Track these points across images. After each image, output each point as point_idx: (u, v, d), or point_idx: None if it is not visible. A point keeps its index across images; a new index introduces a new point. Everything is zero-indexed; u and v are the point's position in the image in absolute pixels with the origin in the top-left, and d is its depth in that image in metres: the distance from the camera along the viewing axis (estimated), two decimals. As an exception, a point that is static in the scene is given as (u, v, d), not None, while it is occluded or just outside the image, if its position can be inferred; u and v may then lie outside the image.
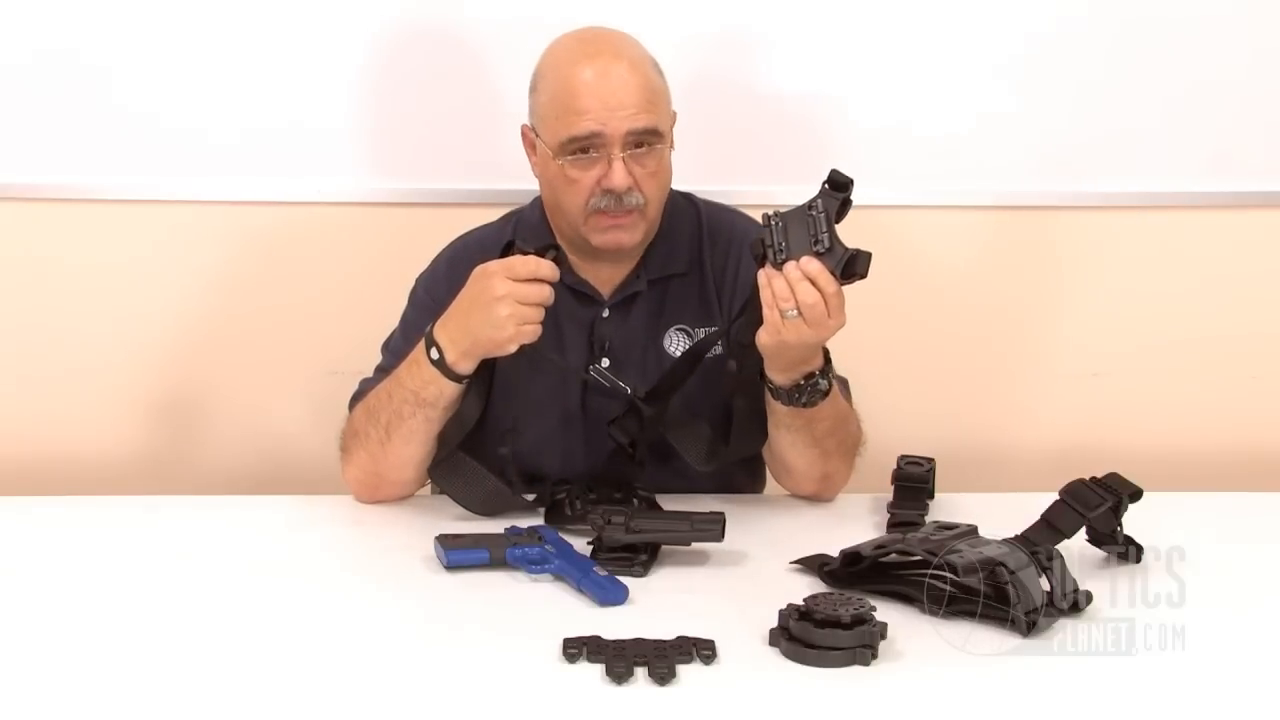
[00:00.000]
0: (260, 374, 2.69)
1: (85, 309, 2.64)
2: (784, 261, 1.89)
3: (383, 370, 2.14)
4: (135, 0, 2.53)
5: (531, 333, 1.97)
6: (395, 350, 2.15)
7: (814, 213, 1.89)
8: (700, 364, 2.08)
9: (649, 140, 2.05)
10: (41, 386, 2.66)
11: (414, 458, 2.08)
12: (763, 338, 1.92)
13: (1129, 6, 2.59)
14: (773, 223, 1.91)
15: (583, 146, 2.04)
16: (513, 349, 1.98)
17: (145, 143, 2.56)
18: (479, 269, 2.00)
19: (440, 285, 2.13)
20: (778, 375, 1.98)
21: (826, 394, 2.00)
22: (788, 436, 2.05)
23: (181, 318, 2.66)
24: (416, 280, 2.22)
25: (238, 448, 2.69)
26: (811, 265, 1.87)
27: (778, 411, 2.02)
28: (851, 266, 1.88)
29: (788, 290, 1.87)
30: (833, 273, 1.87)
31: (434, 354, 2.00)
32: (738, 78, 2.58)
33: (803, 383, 1.97)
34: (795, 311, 1.87)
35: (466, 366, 2.01)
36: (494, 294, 1.96)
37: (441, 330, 2.01)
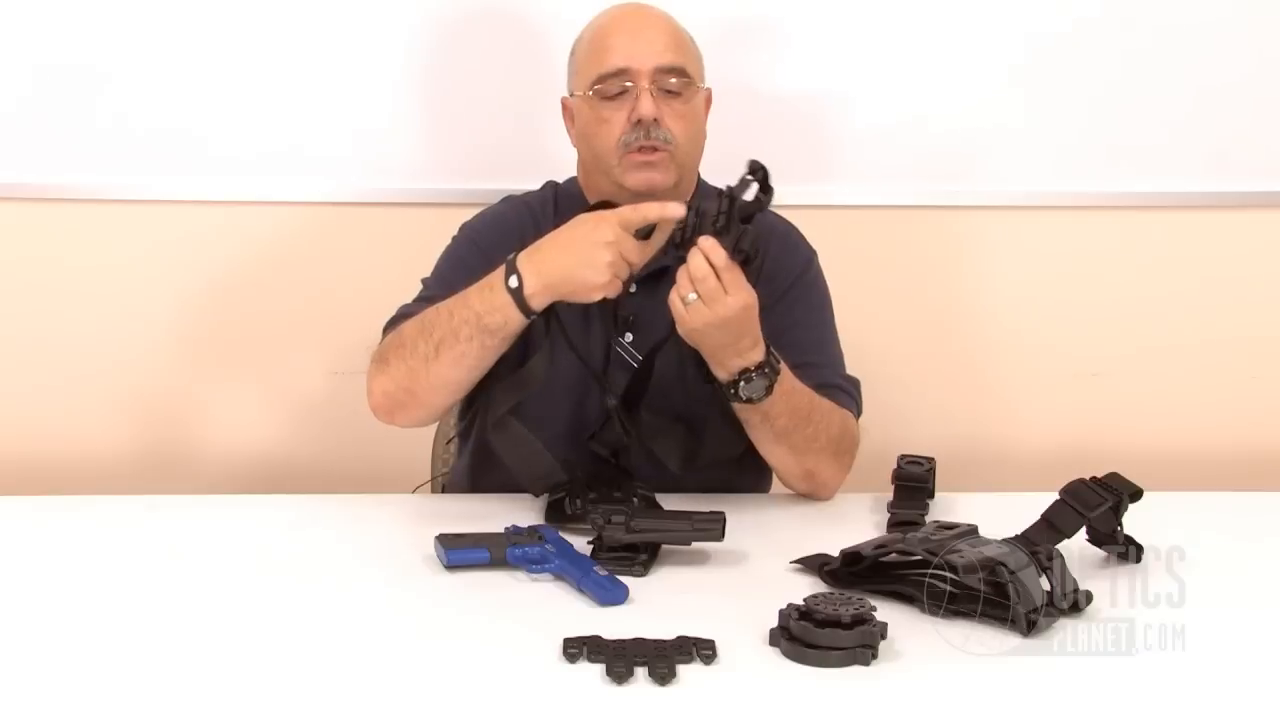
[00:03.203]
0: (260, 374, 2.69)
1: (86, 309, 2.65)
2: (689, 242, 1.91)
3: (424, 299, 2.13)
4: (134, 0, 2.53)
5: (618, 287, 1.97)
6: (440, 279, 2.14)
7: (721, 195, 1.92)
8: (654, 361, 2.08)
9: (677, 80, 2.10)
10: (41, 386, 2.66)
11: (455, 382, 2.05)
12: (679, 330, 1.95)
13: (1130, 9, 2.59)
14: (690, 212, 1.93)
15: (613, 84, 2.08)
16: (597, 297, 1.98)
17: (146, 143, 2.57)
18: (589, 214, 2.00)
19: (490, 231, 2.17)
20: (716, 369, 1.99)
21: (769, 389, 1.99)
22: (752, 432, 2.07)
23: (182, 318, 2.66)
24: (461, 226, 2.22)
25: (238, 447, 2.69)
26: (706, 241, 1.90)
27: (735, 408, 2.03)
28: (741, 243, 1.90)
29: (686, 279, 1.90)
30: (726, 250, 1.89)
31: (513, 282, 1.98)
32: (740, 77, 2.58)
33: (738, 377, 1.98)
34: (694, 295, 1.90)
35: (541, 302, 1.99)
36: (604, 238, 1.95)
37: (527, 260, 1.99)
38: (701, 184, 2.20)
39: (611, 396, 2.09)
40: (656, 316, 2.14)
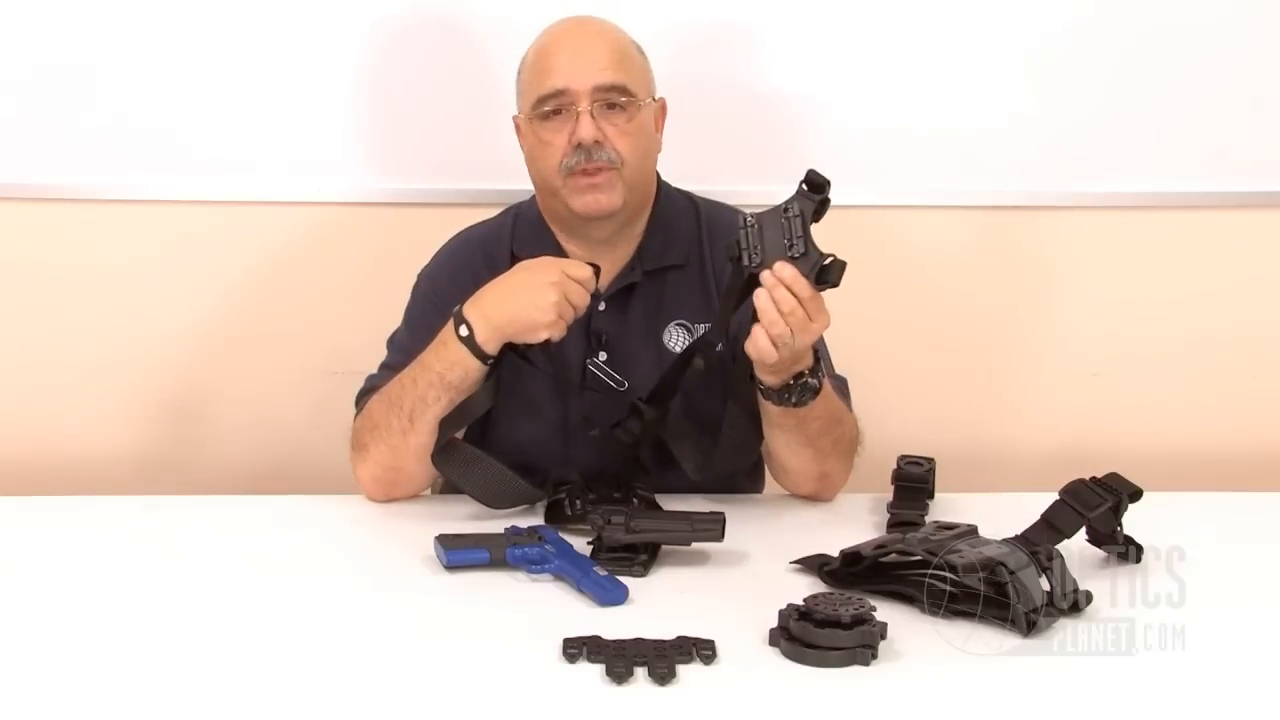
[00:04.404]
0: (260, 374, 2.68)
1: (86, 309, 2.64)
2: (759, 265, 1.88)
3: (389, 367, 2.15)
4: (132, 1, 2.53)
5: (563, 329, 2.00)
6: (401, 345, 2.15)
7: (789, 215, 1.88)
8: (693, 360, 2.07)
9: (619, 97, 2.08)
10: (42, 387, 2.66)
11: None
12: (751, 350, 1.91)
13: (1129, 8, 2.59)
14: (749, 225, 1.90)
15: (552, 106, 2.07)
16: (543, 337, 2.00)
17: (146, 143, 2.57)
18: (532, 260, 2.04)
19: (443, 278, 2.15)
20: (768, 376, 1.98)
21: (817, 393, 1.99)
22: (782, 437, 2.06)
23: (181, 318, 2.66)
24: (419, 275, 2.23)
25: (237, 448, 2.69)
26: (785, 271, 1.87)
27: (770, 412, 2.02)
28: (824, 275, 1.87)
29: (776, 314, 1.86)
30: (807, 277, 1.86)
31: (463, 331, 2.01)
32: (730, 77, 2.58)
33: (792, 383, 1.97)
34: (789, 334, 1.87)
35: (494, 346, 2.02)
36: (549, 279, 1.99)
37: (473, 308, 2.02)
38: (664, 188, 2.19)
39: (637, 396, 2.08)
40: (630, 335, 2.14)
